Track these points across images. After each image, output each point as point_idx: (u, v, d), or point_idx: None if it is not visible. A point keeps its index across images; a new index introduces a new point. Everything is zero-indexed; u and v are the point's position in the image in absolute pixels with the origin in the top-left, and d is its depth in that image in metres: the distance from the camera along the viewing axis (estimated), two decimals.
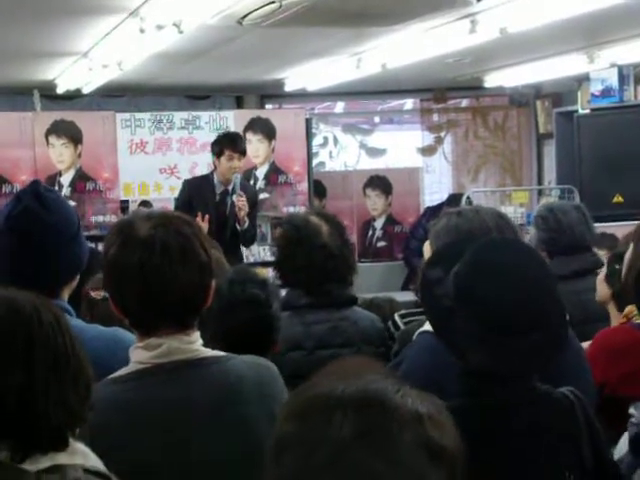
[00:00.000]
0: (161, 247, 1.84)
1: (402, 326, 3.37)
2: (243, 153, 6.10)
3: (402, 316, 3.50)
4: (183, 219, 1.93)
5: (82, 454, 1.47)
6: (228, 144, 6.06)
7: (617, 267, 3.32)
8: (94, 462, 1.48)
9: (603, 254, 4.93)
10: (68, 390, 1.45)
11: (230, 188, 6.01)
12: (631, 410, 2.03)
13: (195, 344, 1.91)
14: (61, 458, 1.42)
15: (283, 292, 2.91)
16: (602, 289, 3.41)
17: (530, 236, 4.46)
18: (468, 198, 7.61)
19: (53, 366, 1.45)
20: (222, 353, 1.97)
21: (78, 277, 2.33)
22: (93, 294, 2.73)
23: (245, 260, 7.06)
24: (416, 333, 2.53)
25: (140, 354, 1.88)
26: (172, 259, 1.84)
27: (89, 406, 1.50)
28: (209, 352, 1.94)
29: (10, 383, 1.41)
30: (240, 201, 5.91)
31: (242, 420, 1.89)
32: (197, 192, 6.15)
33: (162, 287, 1.84)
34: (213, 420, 1.87)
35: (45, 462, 1.40)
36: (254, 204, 6.22)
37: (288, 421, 1.13)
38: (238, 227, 5.95)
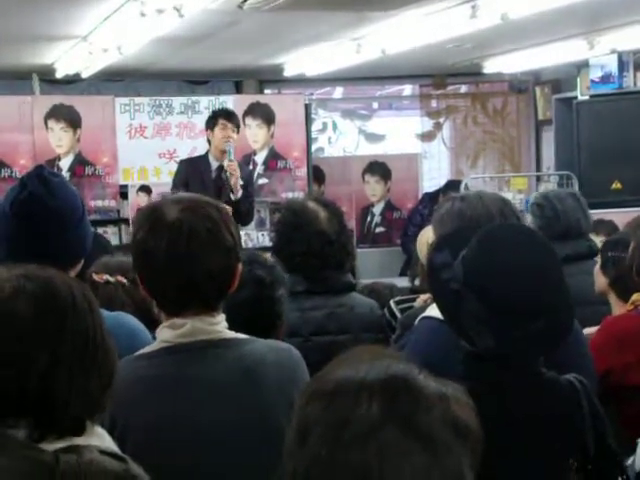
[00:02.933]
0: (188, 231, 1.87)
1: (397, 312, 3.38)
2: (237, 126, 6.17)
3: (397, 303, 3.51)
4: (211, 203, 1.96)
5: (98, 436, 1.48)
6: (221, 115, 6.17)
7: (610, 255, 3.31)
8: (109, 444, 1.49)
9: (600, 240, 4.94)
10: (91, 379, 1.45)
11: (225, 163, 6.02)
12: None
13: (219, 325, 1.94)
14: (77, 440, 1.43)
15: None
16: (599, 279, 3.40)
17: (527, 223, 4.47)
18: (466, 185, 7.61)
19: (80, 353, 1.45)
20: (245, 336, 1.99)
21: (82, 261, 2.33)
22: (96, 277, 2.73)
23: (244, 245, 7.05)
24: (418, 318, 2.53)
25: (165, 333, 1.92)
26: (199, 243, 1.87)
27: (110, 394, 1.50)
28: (232, 334, 1.96)
29: (35, 364, 1.41)
30: (231, 166, 5.91)
31: (259, 402, 1.91)
32: (193, 171, 6.18)
33: (189, 271, 1.87)
34: (229, 400, 1.89)
35: (61, 443, 1.41)
36: (248, 184, 6.21)
37: (312, 403, 1.14)
38: (232, 196, 5.93)
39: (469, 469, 1.12)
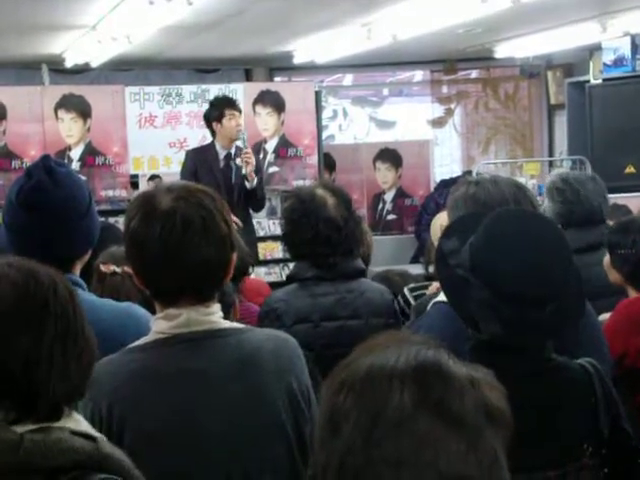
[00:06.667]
0: (182, 220, 1.84)
1: (411, 299, 3.37)
2: (240, 111, 6.21)
3: (411, 290, 3.50)
4: (205, 192, 1.93)
5: (74, 420, 1.49)
6: (227, 105, 6.14)
7: (619, 252, 3.21)
8: (84, 428, 1.49)
9: None
10: (72, 365, 1.47)
11: (232, 151, 6.05)
12: None
13: (214, 315, 1.92)
14: (53, 424, 1.44)
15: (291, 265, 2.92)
16: (612, 274, 3.28)
17: (543, 207, 4.26)
18: (477, 172, 7.56)
19: (62, 339, 1.47)
20: (241, 325, 1.98)
21: (90, 251, 2.32)
22: (103, 268, 2.71)
23: (255, 234, 7.04)
24: (430, 303, 2.52)
25: (160, 324, 1.90)
26: (193, 232, 1.84)
27: (89, 382, 1.52)
28: (227, 324, 1.95)
29: (18, 346, 1.43)
30: (247, 154, 5.92)
31: (257, 391, 1.90)
32: (201, 161, 6.17)
33: (182, 260, 1.84)
34: (226, 390, 1.88)
35: (34, 426, 1.42)
36: (258, 172, 6.21)
37: (342, 393, 1.12)
38: (247, 184, 5.95)
39: (502, 453, 1.11)
